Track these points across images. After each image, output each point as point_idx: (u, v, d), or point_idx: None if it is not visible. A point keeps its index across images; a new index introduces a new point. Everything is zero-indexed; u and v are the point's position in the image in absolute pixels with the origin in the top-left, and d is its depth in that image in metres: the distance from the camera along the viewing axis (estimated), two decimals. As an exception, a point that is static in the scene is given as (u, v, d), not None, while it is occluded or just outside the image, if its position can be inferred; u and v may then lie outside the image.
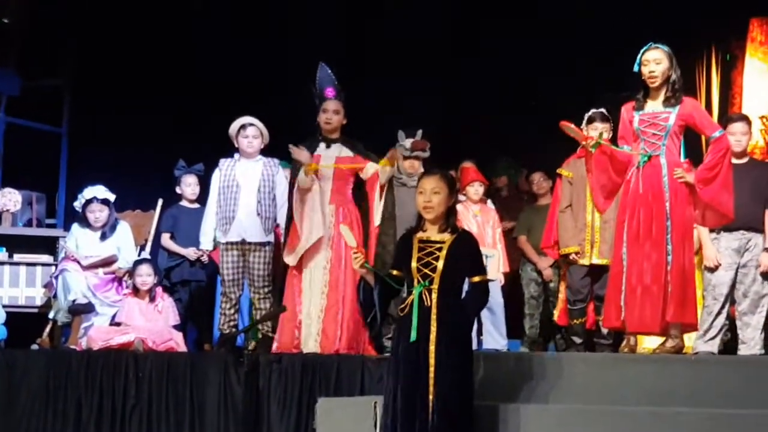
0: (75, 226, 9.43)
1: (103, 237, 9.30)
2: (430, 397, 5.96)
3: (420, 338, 6.01)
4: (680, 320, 7.39)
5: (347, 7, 12.34)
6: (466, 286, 6.26)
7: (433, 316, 6.03)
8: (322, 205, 8.28)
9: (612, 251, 7.74)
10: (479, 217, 9.58)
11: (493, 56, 12.10)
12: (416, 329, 6.01)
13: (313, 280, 8.24)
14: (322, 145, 8.42)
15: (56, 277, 9.22)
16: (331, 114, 8.40)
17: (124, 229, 9.43)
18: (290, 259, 8.32)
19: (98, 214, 9.27)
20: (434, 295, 6.05)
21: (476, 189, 9.68)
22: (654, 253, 7.35)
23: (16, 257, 9.89)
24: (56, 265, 9.51)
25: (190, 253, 9.51)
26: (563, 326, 9.16)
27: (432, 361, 5.98)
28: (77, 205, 9.39)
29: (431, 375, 5.97)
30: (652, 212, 7.38)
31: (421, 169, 9.24)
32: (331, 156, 8.38)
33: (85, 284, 9.10)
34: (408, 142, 9.27)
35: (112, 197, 9.34)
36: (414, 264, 6.12)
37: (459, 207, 9.34)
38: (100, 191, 9.29)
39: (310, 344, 8.16)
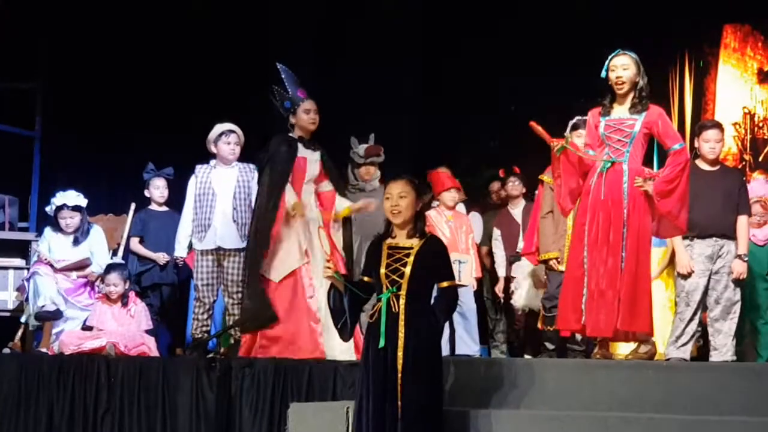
0: (48, 230, 9.36)
1: (76, 242, 9.25)
2: (399, 403, 5.96)
3: (388, 344, 6.00)
4: (629, 329, 7.34)
5: (347, 7, 12.33)
6: (435, 292, 6.26)
7: (401, 323, 6.01)
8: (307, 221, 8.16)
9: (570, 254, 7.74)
10: (452, 223, 9.58)
11: (491, 56, 12.15)
12: (384, 336, 6.01)
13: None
14: (301, 146, 8.26)
15: (28, 281, 9.17)
16: (314, 114, 8.25)
17: (97, 233, 9.38)
18: (274, 275, 8.12)
19: (69, 221, 9.22)
20: (402, 301, 6.02)
21: (452, 195, 9.67)
22: (610, 258, 7.32)
23: (-11, 261, 9.86)
24: (29, 269, 9.46)
25: (160, 257, 9.48)
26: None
27: (400, 367, 5.97)
28: (49, 210, 9.34)
29: (399, 381, 5.97)
30: (611, 218, 7.33)
31: (378, 174, 9.23)
32: (316, 159, 8.29)
33: (55, 289, 9.04)
34: (362, 149, 9.23)
35: (83, 203, 9.28)
36: (383, 270, 6.09)
37: (432, 213, 9.38)
38: (70, 198, 9.23)
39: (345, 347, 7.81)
